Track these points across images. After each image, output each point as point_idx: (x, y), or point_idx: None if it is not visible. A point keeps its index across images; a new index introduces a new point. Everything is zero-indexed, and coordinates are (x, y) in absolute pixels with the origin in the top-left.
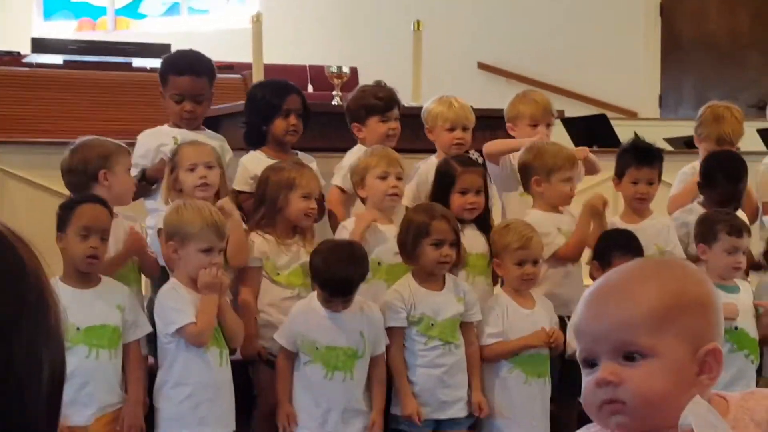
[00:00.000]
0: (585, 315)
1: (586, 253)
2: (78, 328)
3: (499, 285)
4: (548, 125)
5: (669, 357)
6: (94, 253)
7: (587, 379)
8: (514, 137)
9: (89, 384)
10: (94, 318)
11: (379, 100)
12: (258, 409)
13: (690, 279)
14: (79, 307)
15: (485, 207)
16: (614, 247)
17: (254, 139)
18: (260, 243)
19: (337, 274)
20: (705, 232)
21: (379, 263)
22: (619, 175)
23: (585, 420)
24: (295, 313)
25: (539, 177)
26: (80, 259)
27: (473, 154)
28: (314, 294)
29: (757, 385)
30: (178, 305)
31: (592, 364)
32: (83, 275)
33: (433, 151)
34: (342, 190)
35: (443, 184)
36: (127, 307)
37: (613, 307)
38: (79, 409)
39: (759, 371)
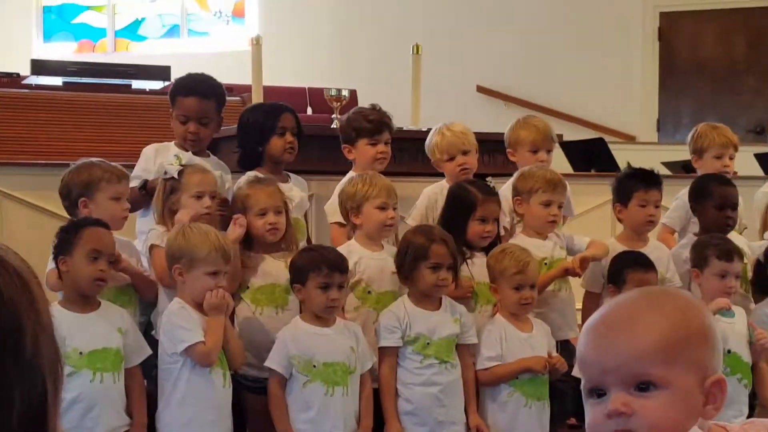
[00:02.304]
0: (592, 346)
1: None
2: (81, 353)
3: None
4: (548, 151)
5: (680, 387)
6: (102, 276)
7: (594, 409)
8: (514, 162)
9: (95, 408)
10: (96, 342)
11: (370, 123)
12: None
13: (692, 310)
14: (81, 332)
15: (497, 235)
16: (626, 264)
17: (249, 163)
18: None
19: (330, 253)
20: (697, 257)
21: (369, 291)
22: (625, 199)
23: None
24: (284, 337)
25: (520, 198)
26: (88, 281)
27: (490, 182)
28: (297, 317)
29: (752, 411)
30: (187, 324)
31: (599, 394)
32: (84, 299)
33: (432, 174)
34: (341, 224)
35: (461, 210)
36: (128, 331)
37: (623, 339)
38: None
39: (753, 396)
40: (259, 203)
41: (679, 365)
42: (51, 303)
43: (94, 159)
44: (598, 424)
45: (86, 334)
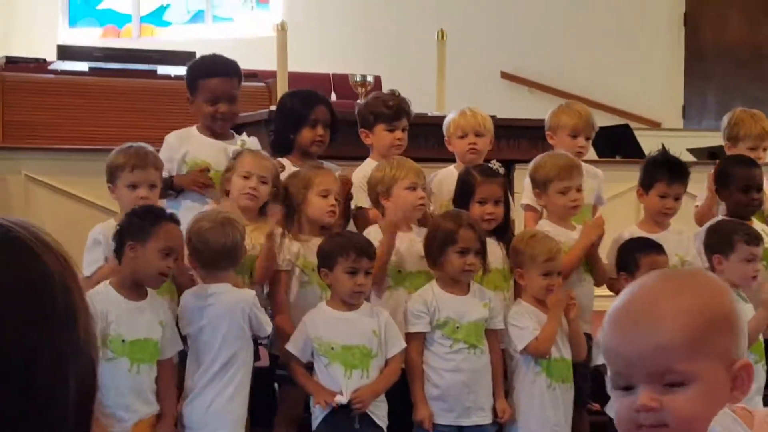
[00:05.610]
0: (616, 337)
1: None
2: (123, 341)
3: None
4: (587, 138)
5: (707, 379)
6: (168, 272)
7: (622, 401)
8: (551, 146)
9: (129, 396)
10: (139, 332)
11: (388, 109)
12: (279, 415)
13: (716, 293)
14: (127, 319)
15: (505, 218)
16: (635, 249)
17: (281, 147)
18: (289, 246)
19: (358, 238)
20: (721, 242)
21: (400, 271)
22: (647, 186)
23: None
24: (306, 321)
25: (538, 190)
26: (155, 276)
27: (494, 164)
28: (324, 302)
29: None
30: (259, 305)
31: (626, 387)
32: (137, 287)
33: (454, 160)
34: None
35: (463, 193)
36: (167, 324)
37: (644, 331)
38: (118, 420)
39: None
40: (323, 183)
41: (704, 356)
42: (103, 282)
43: (134, 143)
44: (626, 417)
45: (132, 323)
